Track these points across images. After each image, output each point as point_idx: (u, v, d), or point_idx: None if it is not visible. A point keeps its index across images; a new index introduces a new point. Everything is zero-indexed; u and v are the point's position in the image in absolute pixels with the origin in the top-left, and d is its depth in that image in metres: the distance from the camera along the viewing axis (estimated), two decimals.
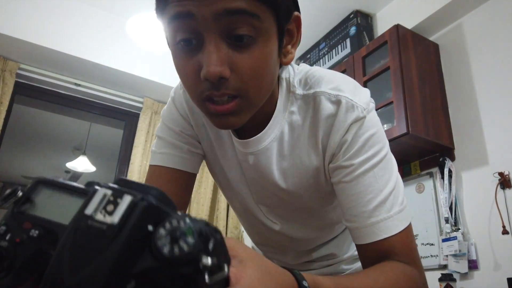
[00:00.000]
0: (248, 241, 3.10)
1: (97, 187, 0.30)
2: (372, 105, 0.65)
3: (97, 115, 3.34)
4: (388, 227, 0.58)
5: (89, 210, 0.28)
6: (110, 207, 0.28)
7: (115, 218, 0.27)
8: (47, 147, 5.33)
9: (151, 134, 3.18)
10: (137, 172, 3.03)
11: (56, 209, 0.32)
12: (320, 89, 0.64)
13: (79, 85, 3.05)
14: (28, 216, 0.32)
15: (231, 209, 3.33)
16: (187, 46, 0.53)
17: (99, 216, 0.27)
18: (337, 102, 0.62)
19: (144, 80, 3.02)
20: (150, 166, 0.75)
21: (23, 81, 2.89)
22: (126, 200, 0.28)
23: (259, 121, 0.64)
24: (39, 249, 0.31)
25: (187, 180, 0.74)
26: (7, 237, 0.30)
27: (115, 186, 0.30)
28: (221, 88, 0.52)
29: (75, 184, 0.35)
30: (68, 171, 5.65)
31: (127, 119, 3.32)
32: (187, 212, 0.74)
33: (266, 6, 0.51)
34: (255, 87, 0.55)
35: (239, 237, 3.32)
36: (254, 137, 0.65)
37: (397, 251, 0.58)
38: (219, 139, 0.73)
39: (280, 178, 0.69)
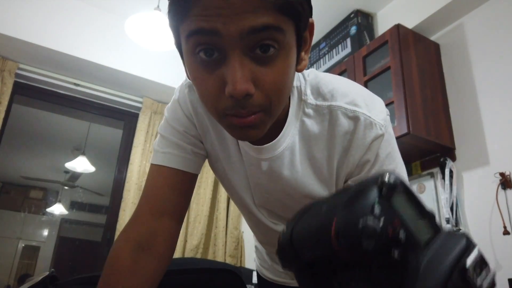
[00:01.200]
0: (248, 241, 3.07)
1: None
2: (388, 118, 0.66)
3: (96, 115, 3.33)
4: None
5: (468, 263, 0.28)
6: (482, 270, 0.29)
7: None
8: (46, 147, 5.32)
9: (150, 134, 3.17)
10: (136, 172, 3.02)
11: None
12: (335, 102, 0.64)
13: (78, 85, 3.04)
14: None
15: (231, 210, 3.33)
16: (208, 58, 0.51)
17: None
18: (354, 119, 0.63)
19: (143, 80, 3.01)
20: (152, 165, 0.74)
21: (22, 81, 2.89)
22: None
23: (271, 128, 0.63)
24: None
25: (189, 181, 0.74)
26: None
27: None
28: (247, 106, 0.52)
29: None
30: (67, 171, 5.65)
31: (126, 119, 3.31)
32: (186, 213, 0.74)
33: (290, 18, 0.51)
34: (276, 100, 0.54)
35: (239, 238, 3.31)
36: (269, 144, 0.66)
37: None
38: (222, 142, 0.73)
39: (289, 185, 0.70)
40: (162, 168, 0.71)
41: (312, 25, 0.59)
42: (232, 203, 3.27)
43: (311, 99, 0.66)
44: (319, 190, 0.69)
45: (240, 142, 0.68)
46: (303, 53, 0.59)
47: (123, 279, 0.63)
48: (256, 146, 0.66)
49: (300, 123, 0.66)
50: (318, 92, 0.66)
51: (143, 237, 0.67)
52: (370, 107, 0.64)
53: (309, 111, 0.66)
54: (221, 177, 0.79)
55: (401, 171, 0.66)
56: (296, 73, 0.65)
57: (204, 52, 0.51)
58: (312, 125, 0.66)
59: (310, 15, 0.57)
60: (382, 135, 0.63)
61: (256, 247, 1.06)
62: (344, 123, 0.63)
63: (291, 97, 0.66)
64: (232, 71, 0.49)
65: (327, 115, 0.65)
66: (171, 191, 0.70)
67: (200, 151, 0.75)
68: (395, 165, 0.64)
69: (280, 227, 0.77)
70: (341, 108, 0.64)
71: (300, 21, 0.53)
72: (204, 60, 0.51)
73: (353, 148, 0.63)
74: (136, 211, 0.71)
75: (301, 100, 0.66)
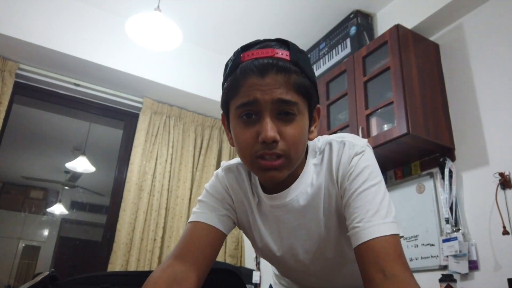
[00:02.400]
0: (248, 241, 3.07)
1: None
2: (369, 148, 0.83)
3: (96, 115, 3.34)
4: (382, 229, 0.71)
5: None
6: None
7: None
8: (47, 147, 5.33)
9: (150, 134, 3.18)
10: (136, 172, 3.02)
11: None
12: (330, 139, 0.86)
13: (78, 85, 3.04)
14: None
15: None
16: (248, 118, 0.74)
17: None
18: (342, 143, 0.83)
19: (143, 80, 3.01)
20: (190, 222, 0.88)
21: (22, 81, 2.89)
22: None
23: (288, 182, 0.83)
24: None
25: (219, 238, 0.87)
26: None
27: None
28: (273, 149, 0.73)
29: None
30: (67, 171, 5.65)
31: (126, 119, 3.31)
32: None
33: (304, 96, 0.76)
34: (295, 150, 0.75)
35: (239, 238, 3.32)
36: (280, 193, 0.84)
37: (389, 252, 0.69)
38: (259, 207, 0.91)
39: (317, 226, 0.87)
40: (200, 223, 0.87)
41: (319, 109, 0.84)
42: None
43: (319, 147, 0.87)
44: (319, 231, 0.86)
45: (265, 195, 0.86)
46: (312, 128, 0.82)
47: None
48: (271, 195, 0.85)
49: (312, 166, 0.85)
50: (323, 142, 0.87)
51: (177, 274, 0.77)
52: (354, 138, 0.85)
53: (318, 155, 0.85)
54: (251, 235, 0.95)
55: (380, 187, 0.77)
56: (312, 144, 0.87)
57: (246, 116, 0.74)
58: (319, 164, 0.85)
59: (318, 101, 0.83)
60: (362, 152, 0.80)
61: (276, 275, 1.17)
62: (336, 147, 0.83)
63: (307, 155, 0.86)
64: (265, 124, 0.72)
65: (328, 149, 0.84)
66: (204, 244, 0.84)
67: (232, 216, 0.92)
68: (371, 177, 0.77)
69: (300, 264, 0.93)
70: (333, 140, 0.85)
71: (310, 100, 0.78)
72: (245, 121, 0.75)
73: (342, 163, 0.80)
74: (173, 253, 0.83)
75: (314, 151, 0.86)
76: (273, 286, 1.21)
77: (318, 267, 0.92)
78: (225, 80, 0.79)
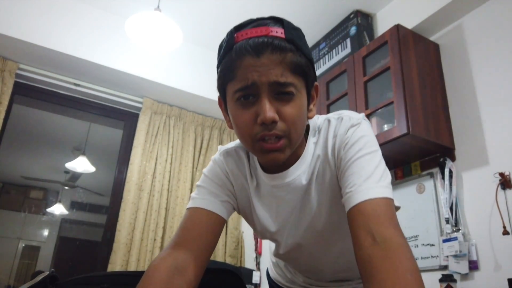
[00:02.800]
0: (248, 241, 3.07)
1: None
2: (366, 121, 0.83)
3: (96, 115, 3.34)
4: (373, 192, 0.69)
5: None
6: None
7: None
8: (47, 148, 5.33)
9: (150, 134, 3.18)
10: (136, 172, 3.02)
11: None
12: (328, 116, 0.87)
13: (78, 85, 3.04)
14: None
15: None
16: (245, 100, 0.73)
17: None
18: (339, 119, 0.83)
19: (143, 80, 3.01)
20: (189, 208, 0.86)
21: (22, 81, 2.89)
22: None
23: (289, 162, 0.82)
24: None
25: (219, 224, 0.86)
26: None
27: None
28: (272, 130, 0.72)
29: None
30: (67, 171, 5.65)
31: (126, 119, 3.31)
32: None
33: (300, 75, 0.74)
34: (294, 130, 0.74)
35: (239, 238, 3.32)
36: (281, 173, 0.83)
37: (380, 214, 0.66)
38: (258, 190, 0.89)
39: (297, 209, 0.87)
40: (199, 209, 0.85)
41: (317, 86, 0.83)
42: None
43: (317, 127, 0.86)
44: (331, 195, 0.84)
45: (265, 174, 0.85)
46: (311, 106, 0.81)
47: None
48: (272, 175, 0.84)
49: (312, 145, 0.84)
50: (322, 121, 0.87)
51: (179, 262, 0.76)
52: (352, 113, 0.85)
53: (318, 134, 0.85)
54: (251, 220, 0.94)
55: (375, 156, 0.76)
56: (313, 123, 0.87)
57: (243, 98, 0.73)
58: (320, 142, 0.84)
59: (315, 79, 0.81)
60: (358, 124, 0.80)
61: (273, 262, 1.18)
62: (334, 123, 0.83)
63: (307, 140, 0.85)
64: (263, 105, 0.71)
65: (327, 125, 0.84)
66: (205, 230, 0.82)
67: (232, 202, 0.90)
68: (366, 146, 0.76)
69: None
70: (331, 117, 0.86)
71: (308, 79, 0.76)
72: (243, 103, 0.74)
73: (339, 135, 0.80)
74: (174, 240, 0.81)
75: (314, 130, 0.85)
76: (269, 271, 1.21)
77: (309, 241, 0.91)
78: (220, 62, 0.77)
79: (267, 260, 1.22)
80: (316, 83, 0.82)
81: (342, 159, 0.78)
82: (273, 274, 1.18)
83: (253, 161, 0.88)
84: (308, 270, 1.03)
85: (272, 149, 0.73)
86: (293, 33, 0.74)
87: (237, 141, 0.91)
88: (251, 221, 0.94)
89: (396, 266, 0.59)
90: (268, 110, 0.70)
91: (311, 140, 0.85)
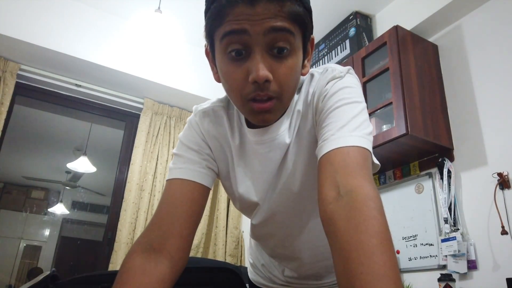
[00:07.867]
0: (248, 242, 3.09)
1: None
2: (352, 75, 0.77)
3: (97, 116, 3.35)
4: (347, 140, 0.63)
5: None
6: None
7: None
8: (48, 148, 5.34)
9: (151, 134, 3.19)
10: (137, 172, 3.04)
11: None
12: (313, 70, 0.81)
13: (79, 85, 3.06)
14: None
15: (231, 210, 3.34)
16: (237, 56, 0.65)
17: None
18: (323, 72, 0.78)
19: (144, 81, 3.03)
20: (167, 180, 0.79)
21: (24, 82, 2.90)
22: None
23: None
24: None
25: (202, 193, 0.79)
26: None
27: None
28: (265, 90, 0.65)
29: None
30: (68, 171, 5.67)
31: (127, 120, 3.33)
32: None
33: (299, 26, 0.67)
34: (287, 89, 0.68)
35: (239, 237, 3.33)
36: (265, 127, 0.77)
37: (349, 164, 0.60)
38: (242, 149, 0.83)
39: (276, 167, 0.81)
40: (177, 180, 0.77)
41: (313, 39, 0.75)
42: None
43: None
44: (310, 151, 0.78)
45: (249, 129, 0.79)
46: (306, 61, 0.75)
47: (133, 276, 0.65)
48: (255, 129, 0.78)
49: (294, 103, 0.78)
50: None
51: (154, 240, 0.70)
52: (337, 66, 0.79)
53: (300, 90, 0.79)
54: (228, 183, 0.87)
55: (356, 106, 0.69)
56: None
57: (235, 53, 0.65)
58: (302, 97, 0.79)
59: (312, 31, 0.73)
60: (341, 76, 0.74)
61: (251, 263, 1.10)
62: (317, 77, 0.78)
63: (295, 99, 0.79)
64: (256, 62, 0.64)
65: (310, 79, 0.79)
66: (185, 200, 0.75)
67: (213, 167, 0.83)
68: (347, 96, 0.70)
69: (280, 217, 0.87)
70: (316, 70, 0.80)
71: (306, 30, 0.69)
72: (234, 58, 0.66)
73: (318, 87, 0.75)
74: (150, 220, 0.75)
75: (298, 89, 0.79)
76: (248, 274, 1.15)
77: (284, 207, 0.85)
78: (208, 8, 0.68)
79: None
80: (312, 36, 0.74)
81: (319, 111, 0.73)
82: (252, 275, 1.13)
83: (238, 117, 0.82)
84: (284, 255, 0.95)
85: (261, 109, 0.67)
86: None
87: (215, 99, 0.86)
88: (228, 186, 0.87)
89: (360, 230, 0.50)
90: (262, 68, 0.63)
91: (295, 96, 0.79)
